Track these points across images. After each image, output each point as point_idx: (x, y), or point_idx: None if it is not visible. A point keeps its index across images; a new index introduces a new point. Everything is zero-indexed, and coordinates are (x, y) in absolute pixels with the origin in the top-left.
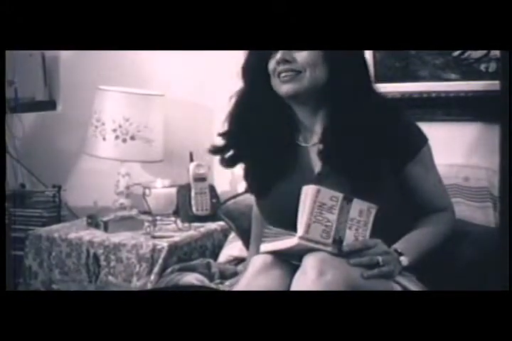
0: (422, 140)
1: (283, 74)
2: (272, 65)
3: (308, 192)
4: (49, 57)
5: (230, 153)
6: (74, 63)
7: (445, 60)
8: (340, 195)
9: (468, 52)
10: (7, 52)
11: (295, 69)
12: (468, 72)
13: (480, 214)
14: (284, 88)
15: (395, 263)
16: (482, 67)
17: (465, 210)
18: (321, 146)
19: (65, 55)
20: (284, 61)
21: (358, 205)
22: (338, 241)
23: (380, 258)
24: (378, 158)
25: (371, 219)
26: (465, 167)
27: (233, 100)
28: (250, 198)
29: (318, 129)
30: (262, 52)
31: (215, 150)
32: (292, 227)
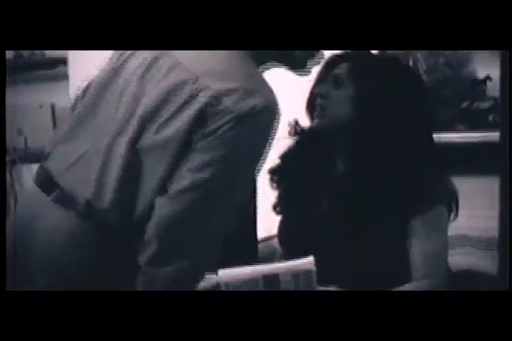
0: (442, 200)
1: (316, 109)
2: None
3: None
4: (59, 108)
5: (276, 176)
6: None
7: (454, 111)
8: None
9: (476, 103)
10: (17, 102)
11: (322, 104)
12: (477, 123)
13: (489, 263)
14: (313, 122)
15: None
16: (490, 117)
17: (476, 260)
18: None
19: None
20: (317, 95)
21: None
22: None
23: None
24: (387, 209)
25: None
26: (475, 218)
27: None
28: (261, 247)
29: (340, 167)
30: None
31: (270, 170)
32: (289, 250)
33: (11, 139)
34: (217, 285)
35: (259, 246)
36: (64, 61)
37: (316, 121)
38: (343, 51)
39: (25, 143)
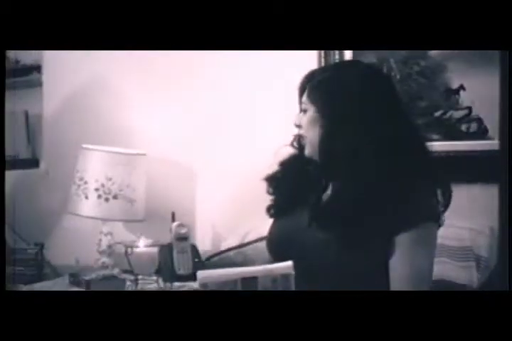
0: (432, 215)
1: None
2: None
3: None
4: (32, 116)
5: (273, 183)
6: (57, 121)
7: (427, 120)
8: None
9: (450, 113)
10: None
11: (301, 134)
12: (450, 133)
13: (463, 273)
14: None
15: None
16: (463, 127)
17: (449, 270)
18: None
19: (48, 114)
20: (296, 126)
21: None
22: None
23: None
24: (374, 221)
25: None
26: (449, 227)
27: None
28: (234, 255)
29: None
30: None
31: (267, 178)
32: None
33: None
34: (201, 286)
35: (231, 254)
36: (38, 68)
37: (305, 150)
38: (308, 73)
39: None
